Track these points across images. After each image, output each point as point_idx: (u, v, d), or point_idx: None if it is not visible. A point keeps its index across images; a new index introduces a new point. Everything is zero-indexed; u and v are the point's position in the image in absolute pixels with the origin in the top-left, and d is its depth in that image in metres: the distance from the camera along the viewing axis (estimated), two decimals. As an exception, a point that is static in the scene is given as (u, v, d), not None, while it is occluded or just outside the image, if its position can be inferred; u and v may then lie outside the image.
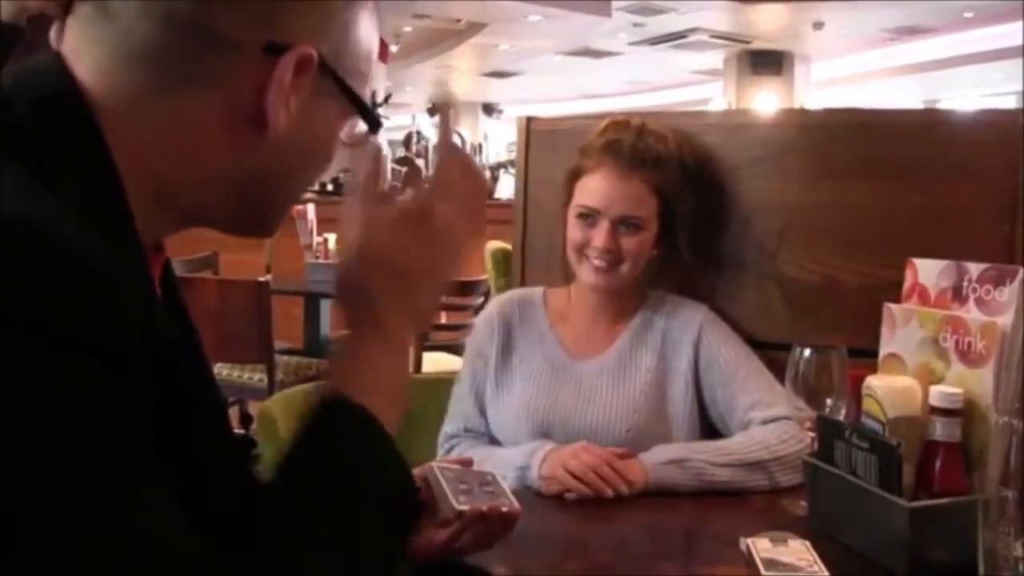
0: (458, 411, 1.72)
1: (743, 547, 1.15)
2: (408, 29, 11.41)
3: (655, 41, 11.19)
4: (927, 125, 1.66)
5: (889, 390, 1.18)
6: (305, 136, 0.72)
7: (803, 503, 1.37)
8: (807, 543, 1.14)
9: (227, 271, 4.86)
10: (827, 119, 1.72)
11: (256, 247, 5.31)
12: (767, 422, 1.55)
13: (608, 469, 1.41)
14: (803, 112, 1.73)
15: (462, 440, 1.69)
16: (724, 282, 1.77)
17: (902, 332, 1.28)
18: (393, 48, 10.99)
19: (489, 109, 18.31)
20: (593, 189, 1.63)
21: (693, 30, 10.60)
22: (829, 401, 1.37)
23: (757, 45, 11.47)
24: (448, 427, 1.72)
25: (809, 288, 1.70)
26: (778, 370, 1.63)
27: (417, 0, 9.19)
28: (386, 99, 9.17)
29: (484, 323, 1.76)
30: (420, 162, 9.98)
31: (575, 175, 1.68)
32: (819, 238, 1.69)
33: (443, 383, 1.95)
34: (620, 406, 1.61)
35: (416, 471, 1.04)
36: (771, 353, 1.67)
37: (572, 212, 1.66)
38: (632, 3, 9.20)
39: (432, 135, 14.69)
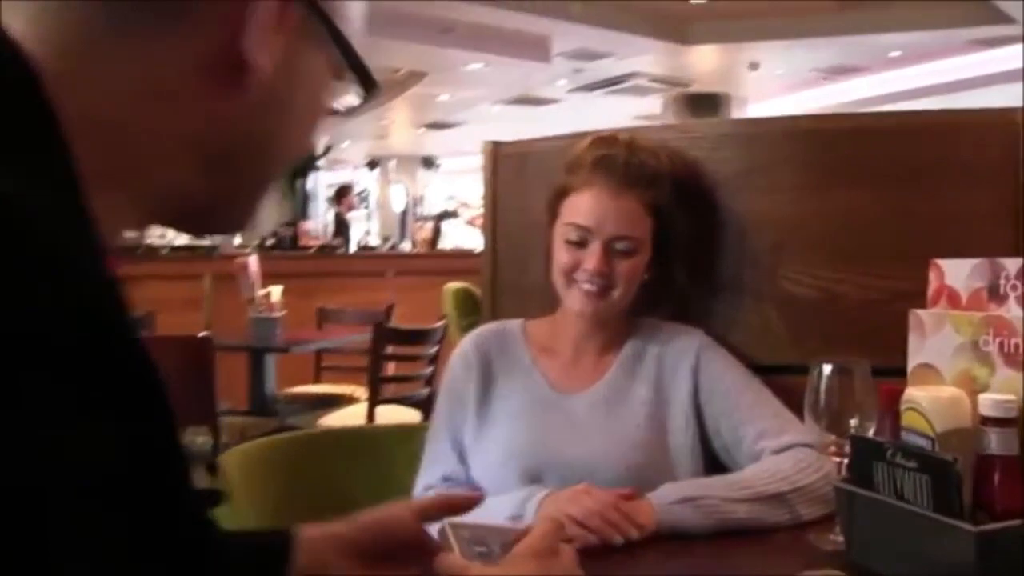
0: (434, 459, 1.56)
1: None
2: (346, 82, 11.30)
3: (594, 87, 11.24)
4: (922, 127, 1.57)
5: (936, 401, 1.06)
6: (290, 90, 0.58)
7: (834, 536, 1.23)
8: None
9: (164, 331, 4.64)
10: (817, 125, 1.62)
11: (193, 307, 5.10)
12: (780, 451, 1.42)
13: (615, 512, 1.26)
14: (792, 119, 1.63)
15: (442, 491, 1.53)
16: (720, 305, 1.64)
17: (934, 340, 1.16)
18: (331, 102, 10.87)
19: (428, 162, 18.27)
20: (583, 208, 1.50)
21: (631, 75, 10.67)
22: (853, 422, 1.24)
23: (695, 88, 11.59)
24: (424, 478, 1.55)
25: (810, 305, 1.58)
26: (783, 395, 1.51)
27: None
28: (326, 150, 9.03)
29: (459, 361, 1.61)
30: (351, 215, 9.85)
31: (562, 193, 1.55)
32: (817, 251, 1.58)
33: (414, 431, 1.80)
34: (616, 442, 1.47)
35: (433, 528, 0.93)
36: (775, 378, 1.54)
37: (559, 233, 1.53)
38: (571, 49, 9.22)
39: (372, 189, 14.62)
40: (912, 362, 1.18)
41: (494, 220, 1.96)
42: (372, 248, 9.48)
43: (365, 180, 14.45)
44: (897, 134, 1.57)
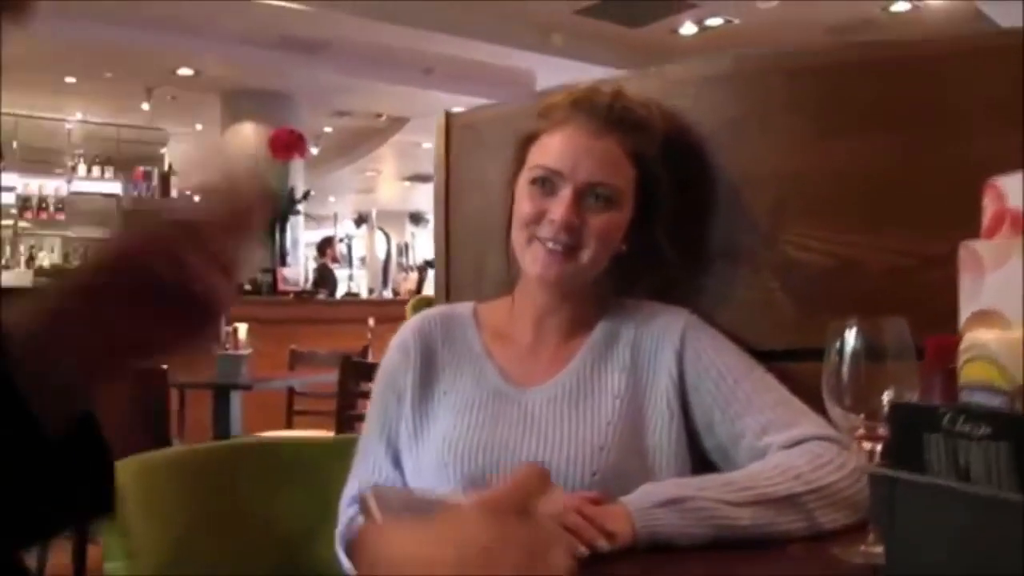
0: (365, 463, 1.27)
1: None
2: (328, 130, 11.15)
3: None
4: (949, 54, 1.29)
5: (1011, 344, 0.77)
6: None
7: (867, 547, 0.94)
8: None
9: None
10: (820, 60, 1.35)
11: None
12: (790, 446, 1.12)
13: (577, 517, 0.97)
14: (789, 55, 1.36)
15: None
16: (711, 279, 1.36)
17: (996, 277, 0.87)
18: (313, 151, 10.70)
19: (416, 218, 18.09)
20: (555, 148, 1.23)
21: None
22: (887, 396, 0.95)
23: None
24: (352, 488, 1.26)
25: (819, 275, 1.30)
26: (789, 386, 1.23)
27: (337, 94, 8.94)
28: (305, 195, 8.79)
29: (396, 348, 1.32)
30: (334, 266, 9.58)
31: (530, 138, 1.28)
32: (825, 209, 1.31)
33: (347, 445, 1.50)
34: (581, 444, 1.18)
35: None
36: (779, 364, 1.26)
37: (524, 179, 1.26)
38: (556, 84, 9.05)
39: (359, 242, 14.37)
40: (966, 311, 0.89)
41: (447, 200, 1.69)
42: (354, 295, 9.19)
43: (350, 230, 14.19)
44: (919, 65, 1.30)
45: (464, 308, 1.37)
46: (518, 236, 1.25)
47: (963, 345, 0.82)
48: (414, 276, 10.32)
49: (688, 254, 1.33)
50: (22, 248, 8.49)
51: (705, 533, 1.00)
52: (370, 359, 4.78)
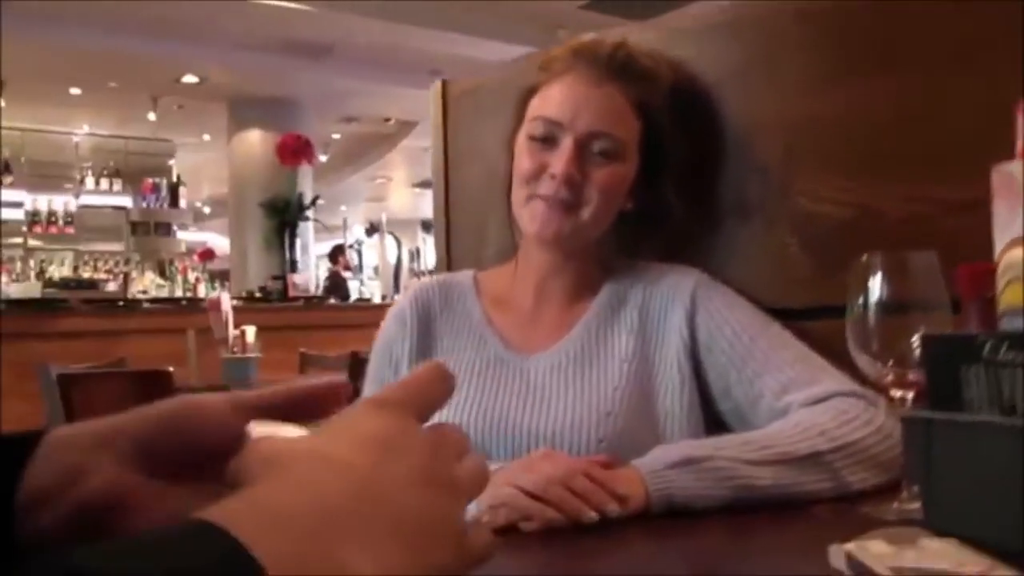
0: (361, 438, 1.19)
1: (838, 560, 0.64)
2: (336, 136, 11.11)
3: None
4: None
5: (1057, 259, 0.70)
6: None
7: (901, 503, 0.86)
8: (955, 540, 0.63)
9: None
10: None
11: (177, 362, 4.75)
12: (812, 404, 1.05)
13: (585, 480, 0.89)
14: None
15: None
16: (723, 237, 1.29)
17: (1034, 198, 0.80)
18: (322, 158, 10.67)
19: (427, 226, 18.02)
20: (554, 98, 1.16)
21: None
22: (916, 339, 0.87)
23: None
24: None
25: (837, 226, 1.22)
26: (808, 345, 1.15)
27: (343, 99, 8.90)
28: (314, 201, 8.75)
29: (393, 318, 1.26)
30: (347, 274, 9.53)
31: (530, 92, 1.22)
32: (839, 157, 1.23)
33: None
34: (587, 410, 1.10)
35: None
36: (796, 323, 1.18)
37: (523, 135, 1.19)
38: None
39: (371, 251, 14.31)
40: (1001, 240, 0.82)
41: (446, 171, 1.62)
42: (366, 300, 9.13)
43: (359, 236, 14.14)
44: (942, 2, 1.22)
45: (464, 276, 1.30)
46: (517, 194, 1.18)
47: (1001, 268, 0.74)
48: (425, 279, 10.25)
49: (697, 210, 1.26)
50: (32, 262, 8.47)
51: (723, 495, 0.92)
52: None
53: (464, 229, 1.59)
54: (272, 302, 7.64)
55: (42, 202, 9.41)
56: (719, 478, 0.92)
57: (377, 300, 9.50)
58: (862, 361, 0.90)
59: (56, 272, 8.47)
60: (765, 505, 0.93)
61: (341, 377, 0.59)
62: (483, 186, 1.54)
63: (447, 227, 1.60)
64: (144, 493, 0.55)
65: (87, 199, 9.74)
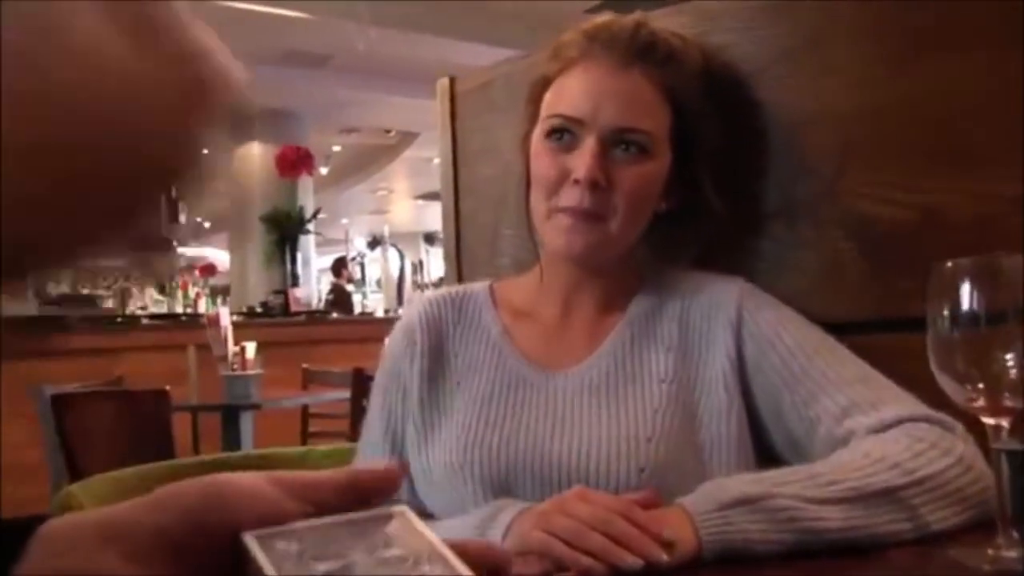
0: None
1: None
2: (337, 148, 11.01)
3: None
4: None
5: None
6: None
7: (996, 549, 0.73)
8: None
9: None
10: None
11: (177, 379, 4.64)
12: (880, 431, 0.92)
13: (625, 524, 0.77)
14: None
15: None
16: (769, 242, 1.16)
17: None
18: (323, 171, 10.57)
19: (431, 239, 17.94)
20: (571, 91, 1.04)
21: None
22: (1011, 357, 0.75)
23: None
24: (352, 500, 1.06)
25: (897, 229, 1.10)
26: (867, 362, 1.03)
27: (344, 109, 8.80)
28: (315, 214, 8.64)
29: (400, 334, 1.13)
30: (350, 287, 9.40)
31: (543, 84, 1.09)
32: (899, 152, 1.11)
33: (346, 454, 1.31)
34: (625, 435, 0.98)
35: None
36: (851, 338, 1.06)
37: (539, 135, 1.06)
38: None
39: (375, 265, 14.22)
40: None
41: (455, 174, 1.50)
42: (369, 314, 9.01)
43: (361, 248, 14.02)
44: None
45: (479, 287, 1.17)
46: (537, 208, 1.06)
47: None
48: (429, 291, 10.15)
49: (739, 211, 1.13)
50: (29, 279, 8.35)
51: (785, 538, 0.79)
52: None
53: (475, 237, 1.47)
54: (274, 317, 7.53)
55: (40, 218, 9.31)
56: (781, 520, 0.80)
57: (380, 314, 9.40)
58: (946, 384, 0.78)
59: (54, 289, 8.36)
60: (832, 550, 0.80)
61: (395, 464, 0.51)
62: (496, 191, 1.43)
63: (457, 236, 1.48)
64: None
65: (86, 214, 9.65)
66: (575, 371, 1.05)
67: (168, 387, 3.36)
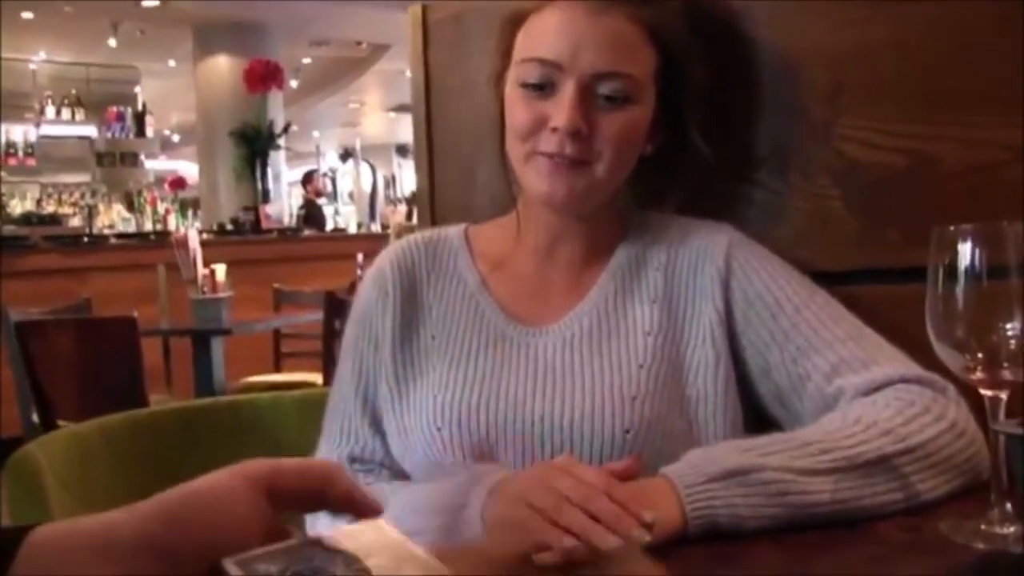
0: (338, 430, 1.03)
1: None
2: (307, 61, 10.74)
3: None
4: None
5: None
6: None
7: (990, 525, 0.71)
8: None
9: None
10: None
11: (146, 299, 4.55)
12: (871, 392, 0.89)
13: (607, 502, 0.73)
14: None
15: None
16: (756, 188, 1.12)
17: None
18: (293, 84, 10.32)
19: (403, 150, 17.69)
20: (547, 32, 0.97)
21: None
22: (1013, 326, 0.72)
23: None
24: (324, 455, 1.03)
25: (888, 177, 1.06)
26: (856, 313, 0.99)
27: (313, 22, 8.54)
28: (286, 128, 8.46)
29: (372, 283, 1.08)
30: (322, 201, 9.26)
31: (516, 21, 1.02)
32: (893, 94, 1.06)
33: (317, 400, 1.27)
34: (609, 394, 0.94)
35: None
36: (839, 288, 1.02)
37: (513, 80, 1.00)
38: None
39: (346, 178, 14.03)
40: None
41: (428, 106, 1.43)
42: (341, 230, 8.91)
43: (334, 165, 13.81)
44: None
45: (453, 231, 1.12)
46: (515, 150, 1.00)
47: None
48: (403, 209, 10.03)
49: (727, 155, 1.08)
50: (-8, 196, 8.16)
51: (775, 513, 0.77)
52: (358, 297, 4.52)
53: (450, 176, 1.41)
54: (244, 234, 7.42)
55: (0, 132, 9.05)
56: (770, 493, 0.77)
57: (353, 229, 9.31)
58: (944, 353, 0.75)
59: (19, 206, 8.18)
60: (821, 524, 0.78)
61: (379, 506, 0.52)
62: (471, 127, 1.36)
63: (431, 174, 1.41)
64: None
65: (48, 129, 9.38)
66: (556, 327, 1.01)
67: (136, 312, 3.29)
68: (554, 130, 0.95)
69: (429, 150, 1.42)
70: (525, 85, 0.97)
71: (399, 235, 4.91)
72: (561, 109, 0.94)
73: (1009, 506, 0.71)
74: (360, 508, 0.56)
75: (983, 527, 0.72)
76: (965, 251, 0.73)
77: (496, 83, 1.05)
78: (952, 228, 0.74)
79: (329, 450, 1.02)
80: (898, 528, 0.77)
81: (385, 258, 1.09)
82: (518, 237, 1.07)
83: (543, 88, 0.96)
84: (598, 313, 1.01)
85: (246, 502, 0.51)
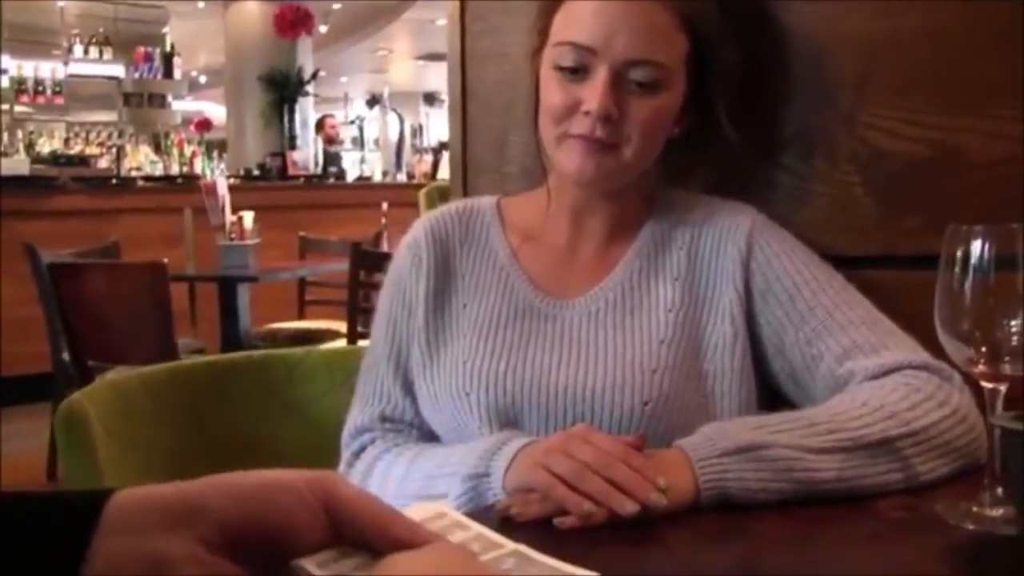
0: (371, 391, 1.09)
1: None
2: (337, 6, 10.69)
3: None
4: None
5: None
6: None
7: (982, 507, 0.76)
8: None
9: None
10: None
11: (173, 243, 4.63)
12: (879, 376, 0.94)
13: (625, 469, 0.79)
14: None
15: (378, 436, 1.06)
16: (778, 171, 1.15)
17: None
18: (322, 29, 10.29)
19: (431, 99, 17.59)
20: (583, 18, 1.00)
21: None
22: (1018, 323, 0.76)
23: None
24: (356, 418, 1.09)
25: (912, 166, 1.09)
26: (872, 299, 1.03)
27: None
28: (314, 75, 8.46)
29: (406, 253, 1.13)
30: (334, 149, 9.24)
31: (553, 4, 1.05)
32: (919, 85, 1.08)
33: (349, 355, 1.33)
34: (630, 367, 0.99)
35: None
36: (858, 272, 1.06)
37: (548, 61, 1.03)
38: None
39: (373, 125, 14.03)
40: None
41: (463, 79, 1.46)
42: (367, 179, 8.93)
43: (361, 112, 13.78)
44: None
45: (486, 203, 1.16)
46: (547, 131, 1.04)
47: None
48: (429, 159, 10.02)
49: (753, 138, 1.11)
50: (20, 134, 8.20)
51: (782, 487, 0.82)
52: (384, 247, 4.58)
53: (482, 143, 1.44)
54: (271, 180, 7.48)
55: (28, 69, 9.05)
56: (779, 469, 0.82)
57: (378, 177, 9.33)
58: (949, 344, 0.79)
59: (46, 144, 8.23)
60: (825, 499, 0.83)
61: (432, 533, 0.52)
62: (505, 97, 1.39)
63: (463, 142, 1.45)
64: None
65: (76, 67, 9.38)
66: (582, 300, 1.05)
67: (166, 259, 3.35)
68: (586, 113, 0.99)
69: (463, 112, 1.45)
70: (560, 68, 1.01)
71: (429, 196, 4.93)
72: (594, 94, 0.98)
73: (1000, 490, 0.76)
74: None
75: (975, 509, 0.77)
76: (975, 249, 0.77)
77: (532, 60, 1.08)
78: (965, 228, 0.77)
79: (363, 408, 1.08)
80: (897, 506, 0.82)
81: (420, 227, 1.13)
82: (548, 212, 1.11)
83: (577, 72, 1.00)
84: (623, 289, 1.05)
85: (309, 510, 0.50)
